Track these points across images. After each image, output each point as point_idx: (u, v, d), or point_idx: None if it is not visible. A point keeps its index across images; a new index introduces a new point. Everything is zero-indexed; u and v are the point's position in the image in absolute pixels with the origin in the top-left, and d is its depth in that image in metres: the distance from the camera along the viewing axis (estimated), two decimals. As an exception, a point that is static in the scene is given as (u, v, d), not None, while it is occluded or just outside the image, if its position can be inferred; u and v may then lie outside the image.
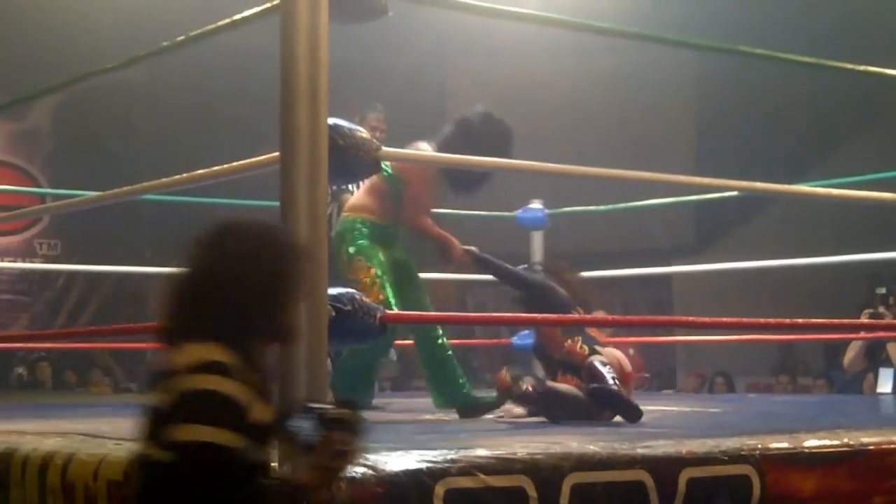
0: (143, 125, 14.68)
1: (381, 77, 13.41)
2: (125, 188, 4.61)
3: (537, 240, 8.64)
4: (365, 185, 5.78)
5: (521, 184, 8.65)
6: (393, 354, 11.07)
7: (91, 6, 12.82)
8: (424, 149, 5.45)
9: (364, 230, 5.78)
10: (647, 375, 10.68)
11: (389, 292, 5.60)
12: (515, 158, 5.59)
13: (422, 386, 7.11)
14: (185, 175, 3.99)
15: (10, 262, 14.15)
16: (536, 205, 8.50)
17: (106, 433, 4.14)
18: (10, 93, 9.47)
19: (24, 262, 14.34)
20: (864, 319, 8.28)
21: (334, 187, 6.47)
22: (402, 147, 5.13)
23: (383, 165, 5.13)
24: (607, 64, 12.71)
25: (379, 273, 5.65)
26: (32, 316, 14.58)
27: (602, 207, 9.21)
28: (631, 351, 10.35)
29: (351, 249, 5.71)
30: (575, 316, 5.79)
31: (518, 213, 8.27)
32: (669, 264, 12.56)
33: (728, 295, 11.82)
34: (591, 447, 3.45)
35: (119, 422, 5.24)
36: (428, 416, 6.04)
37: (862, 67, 4.68)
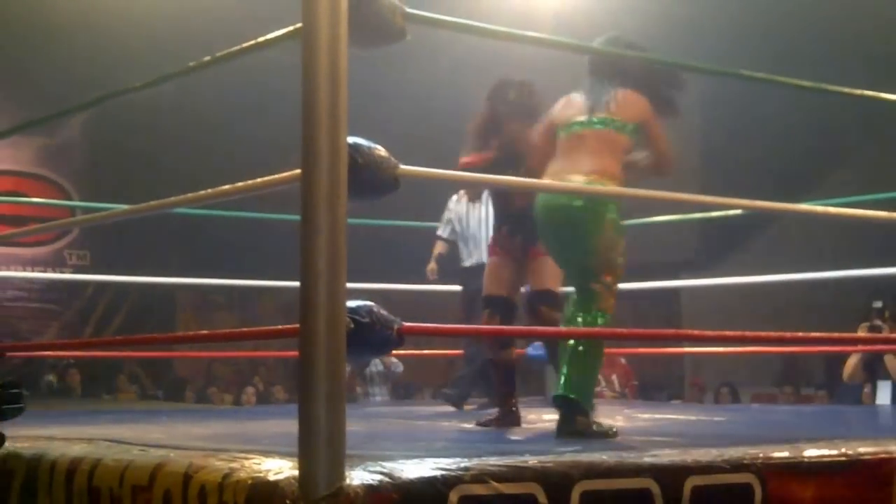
0: (170, 140, 14.74)
1: (398, 95, 13.46)
2: (152, 202, 4.61)
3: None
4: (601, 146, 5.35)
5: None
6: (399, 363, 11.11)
7: (120, 26, 12.85)
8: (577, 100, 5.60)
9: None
10: (634, 384, 10.69)
11: None
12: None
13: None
14: (210, 191, 3.99)
15: (40, 271, 14.21)
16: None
17: (131, 439, 4.15)
18: (43, 109, 9.51)
19: (54, 271, 14.40)
20: (861, 333, 8.29)
21: None
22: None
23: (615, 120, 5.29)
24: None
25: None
26: (62, 324, 14.64)
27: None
28: (622, 360, 10.40)
29: (614, 229, 5.17)
30: (584, 329, 5.76)
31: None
32: (677, 278, 12.56)
33: (733, 308, 11.82)
34: (600, 456, 3.45)
35: (144, 428, 5.28)
36: (445, 423, 6.06)
37: (859, 92, 4.68)
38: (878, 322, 8.42)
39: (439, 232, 8.68)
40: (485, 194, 7.73)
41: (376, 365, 10.78)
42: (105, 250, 14.42)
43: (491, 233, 6.99)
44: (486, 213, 8.01)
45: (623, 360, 10.11)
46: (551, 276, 6.01)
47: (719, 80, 10.10)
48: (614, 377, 10.25)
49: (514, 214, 6.05)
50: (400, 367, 11.16)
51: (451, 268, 8.68)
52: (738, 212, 7.60)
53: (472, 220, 8.21)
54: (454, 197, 8.55)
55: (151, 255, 14.18)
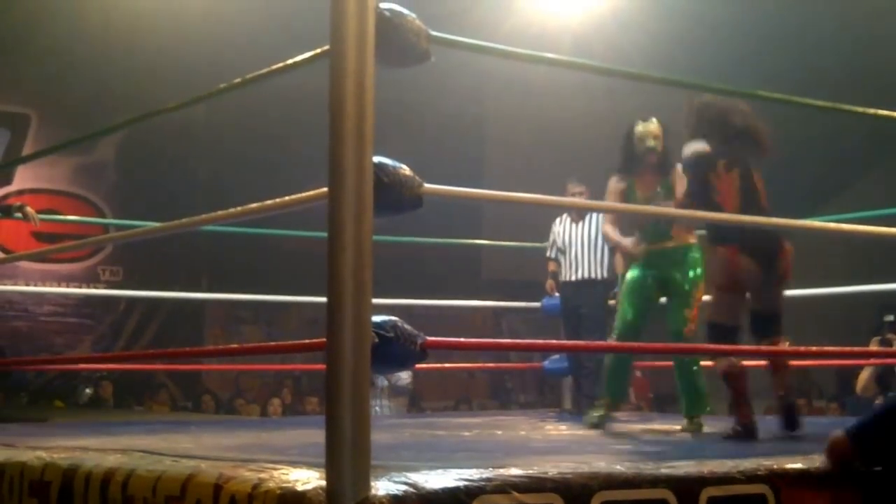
0: (201, 158, 14.80)
1: (422, 116, 13.48)
2: (183, 220, 4.63)
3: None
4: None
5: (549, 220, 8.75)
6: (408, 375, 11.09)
7: (152, 48, 12.91)
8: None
9: None
10: (650, 396, 10.67)
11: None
12: (548, 190, 5.66)
13: (436, 407, 7.22)
14: (239, 209, 4.00)
15: (75, 287, 14.27)
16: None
17: (164, 450, 4.16)
18: (79, 129, 9.55)
19: (88, 287, 14.45)
20: (873, 347, 8.25)
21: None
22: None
23: None
24: (635, 104, 12.68)
25: None
26: (95, 338, 14.68)
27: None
28: (638, 373, 10.38)
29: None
30: (604, 343, 5.85)
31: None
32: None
33: (747, 321, 11.77)
34: (618, 467, 3.45)
35: (176, 439, 5.28)
36: (466, 433, 6.05)
37: (873, 111, 4.67)
38: (890, 336, 8.39)
39: (548, 254, 8.96)
40: (588, 215, 8.20)
41: (381, 379, 10.78)
42: (137, 266, 14.46)
43: (595, 250, 7.72)
44: (588, 231, 8.35)
45: (639, 374, 10.10)
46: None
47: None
48: (630, 390, 10.23)
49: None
50: (404, 381, 11.13)
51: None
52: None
53: (574, 238, 8.52)
54: (557, 220, 8.91)
55: (181, 271, 14.22)
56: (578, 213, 8.72)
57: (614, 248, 8.22)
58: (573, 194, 8.43)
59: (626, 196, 6.67)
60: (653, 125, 6.86)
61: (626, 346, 6.65)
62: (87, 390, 13.53)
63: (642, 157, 6.73)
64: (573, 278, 8.57)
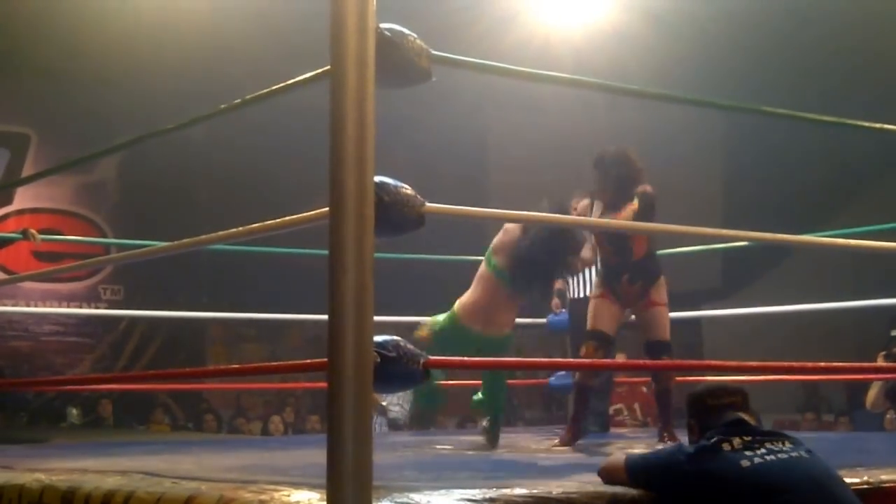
0: (203, 177, 14.81)
1: (424, 131, 13.49)
2: (185, 240, 4.64)
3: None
4: None
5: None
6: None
7: (152, 67, 12.93)
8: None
9: None
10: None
11: None
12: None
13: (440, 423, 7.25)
14: (241, 228, 4.02)
15: (76, 307, 14.28)
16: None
17: (164, 471, 4.16)
18: (79, 149, 9.57)
19: (88, 306, 14.45)
20: (880, 361, 8.25)
21: None
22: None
23: None
24: (638, 119, 12.71)
25: None
26: (96, 357, 14.67)
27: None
28: (644, 389, 10.36)
29: None
30: (608, 360, 5.90)
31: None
32: (698, 308, 12.54)
33: (754, 336, 11.79)
34: (622, 488, 3.45)
35: (177, 459, 5.27)
36: (470, 452, 6.05)
37: (878, 125, 4.68)
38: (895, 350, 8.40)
39: None
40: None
41: (401, 409, 10.77)
42: (138, 285, 14.46)
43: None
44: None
45: (645, 390, 10.07)
46: (665, 326, 6.69)
47: (741, 116, 10.15)
48: (636, 406, 10.22)
49: (636, 262, 6.46)
50: (394, 413, 11.10)
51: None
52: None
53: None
54: None
55: (183, 289, 14.23)
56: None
57: None
58: (576, 208, 8.42)
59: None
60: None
61: (639, 365, 6.73)
62: (74, 410, 13.52)
63: None
64: (582, 295, 8.58)
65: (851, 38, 11.78)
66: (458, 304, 6.41)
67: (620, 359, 10.43)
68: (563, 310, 8.63)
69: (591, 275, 8.54)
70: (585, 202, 6.94)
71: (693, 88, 8.08)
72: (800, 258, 12.94)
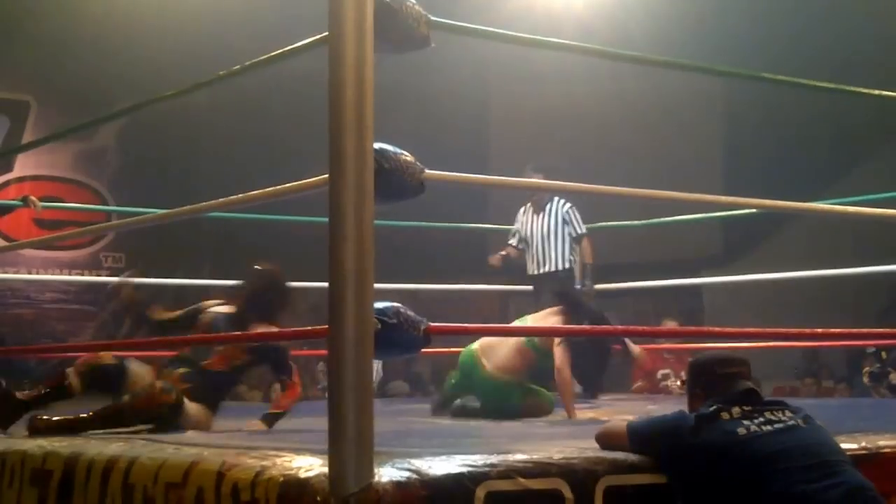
0: (203, 144, 14.77)
1: (424, 100, 13.46)
2: (185, 207, 4.65)
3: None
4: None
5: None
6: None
7: (152, 33, 12.90)
8: None
9: None
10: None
11: None
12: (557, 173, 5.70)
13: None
14: (241, 196, 4.02)
15: (77, 274, 14.27)
16: None
17: (166, 438, 4.18)
18: (79, 115, 9.55)
19: (90, 273, 14.44)
20: (865, 380, 8.38)
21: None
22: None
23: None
24: (640, 86, 12.67)
25: None
26: (98, 325, 14.67)
27: (636, 223, 9.24)
28: (691, 359, 10.35)
29: None
30: (612, 326, 5.91)
31: None
32: (700, 275, 12.55)
33: (755, 302, 11.78)
34: (622, 453, 3.46)
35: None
36: (471, 421, 6.07)
37: (878, 92, 4.67)
38: (878, 366, 8.57)
39: (510, 241, 9.03)
40: (548, 206, 8.22)
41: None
42: (139, 253, 14.45)
43: (555, 243, 7.86)
44: (547, 224, 8.37)
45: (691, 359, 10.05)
46: None
47: (741, 82, 10.12)
48: (683, 373, 10.20)
49: None
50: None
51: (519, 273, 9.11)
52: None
53: (535, 230, 8.59)
54: (521, 209, 8.97)
55: (184, 256, 14.22)
56: (538, 205, 8.81)
57: (579, 239, 8.41)
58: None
59: None
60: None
61: (638, 330, 6.73)
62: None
63: None
64: (536, 272, 8.73)
65: (859, 4, 11.75)
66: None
67: (672, 325, 10.46)
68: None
69: (541, 250, 8.57)
70: None
71: (695, 54, 8.07)
72: (801, 225, 12.92)
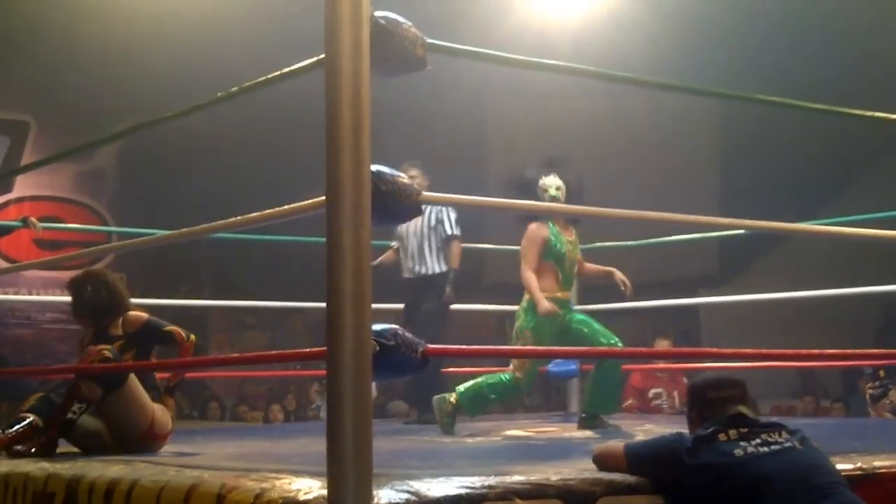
0: (201, 164, 14.78)
1: (421, 119, 13.47)
2: (185, 230, 4.65)
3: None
4: None
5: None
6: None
7: (151, 54, 12.91)
8: None
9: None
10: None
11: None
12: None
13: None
14: (239, 218, 4.02)
15: (78, 294, 14.27)
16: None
17: (168, 460, 4.17)
18: (79, 136, 9.54)
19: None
20: (870, 358, 8.36)
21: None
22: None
23: None
24: (635, 105, 12.69)
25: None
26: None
27: (631, 243, 9.23)
28: (685, 379, 10.34)
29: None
30: (612, 349, 5.93)
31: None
32: (696, 294, 12.55)
33: (751, 322, 11.79)
34: (619, 475, 3.46)
35: (179, 447, 5.29)
36: (469, 440, 6.06)
37: (870, 113, 4.68)
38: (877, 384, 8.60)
39: (393, 244, 8.53)
40: (427, 209, 7.86)
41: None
42: (140, 273, 14.46)
43: (430, 245, 7.60)
44: (422, 225, 8.07)
45: (685, 380, 10.05)
46: None
47: (737, 102, 10.11)
48: (675, 394, 10.20)
49: None
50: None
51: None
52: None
53: (411, 231, 8.19)
54: None
55: (184, 277, 14.23)
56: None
57: (448, 241, 8.12)
58: (411, 177, 7.60)
59: (551, 243, 6.99)
60: (556, 180, 7.08)
61: (633, 352, 6.74)
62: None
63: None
64: (410, 275, 8.24)
65: (851, 24, 11.77)
66: None
67: (664, 344, 10.45)
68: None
69: (417, 252, 8.20)
70: None
71: (691, 74, 8.08)
72: (796, 244, 12.93)
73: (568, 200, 6.95)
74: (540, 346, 6.72)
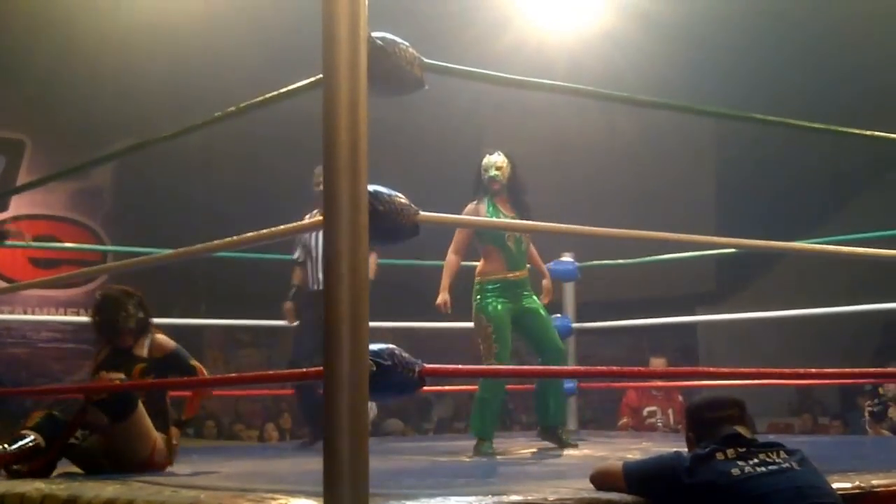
0: (197, 183, 14.79)
1: (418, 136, 13.48)
2: (180, 250, 4.65)
3: (569, 290, 8.68)
4: None
5: (554, 237, 8.69)
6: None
7: (146, 72, 12.93)
8: None
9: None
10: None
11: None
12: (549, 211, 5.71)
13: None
14: (236, 238, 4.02)
15: (73, 312, 14.26)
16: (568, 258, 8.52)
17: (164, 480, 4.17)
18: (74, 154, 9.55)
19: (86, 312, 14.43)
20: (868, 376, 8.36)
21: None
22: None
23: None
24: (632, 123, 12.73)
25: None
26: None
27: (629, 261, 9.21)
28: (680, 397, 10.34)
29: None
30: (621, 368, 5.93)
31: (551, 265, 8.15)
32: (694, 311, 12.53)
33: (749, 338, 11.79)
34: (617, 494, 3.46)
35: (176, 466, 5.29)
36: (466, 459, 6.06)
37: (868, 132, 4.70)
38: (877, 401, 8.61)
39: (295, 256, 7.87)
40: None
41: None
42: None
43: None
44: None
45: (680, 398, 10.05)
46: None
47: (733, 122, 10.14)
48: (670, 411, 10.19)
49: None
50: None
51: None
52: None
53: (320, 241, 6.85)
54: (307, 216, 7.34)
55: (180, 295, 14.21)
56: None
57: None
58: (317, 183, 6.90)
59: (490, 215, 6.77)
60: (497, 158, 6.94)
61: (634, 371, 6.71)
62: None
63: (487, 184, 6.79)
64: (319, 286, 7.31)
65: (845, 42, 11.79)
66: None
67: (659, 363, 10.44)
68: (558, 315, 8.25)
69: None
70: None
71: (687, 92, 8.09)
72: (794, 261, 12.93)
73: (512, 186, 6.88)
74: (497, 325, 6.62)
